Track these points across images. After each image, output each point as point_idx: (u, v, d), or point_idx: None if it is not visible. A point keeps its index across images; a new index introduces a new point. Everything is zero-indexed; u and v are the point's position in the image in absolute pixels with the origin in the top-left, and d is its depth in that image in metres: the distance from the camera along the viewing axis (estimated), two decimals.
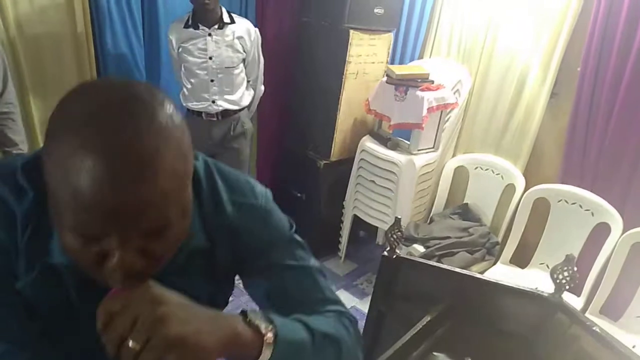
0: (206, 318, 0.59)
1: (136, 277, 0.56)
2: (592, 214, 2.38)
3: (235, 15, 2.56)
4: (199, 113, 2.60)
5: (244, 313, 0.65)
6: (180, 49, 2.47)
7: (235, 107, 2.66)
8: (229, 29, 2.50)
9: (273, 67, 3.14)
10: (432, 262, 1.38)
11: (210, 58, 2.49)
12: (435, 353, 1.16)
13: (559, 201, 2.49)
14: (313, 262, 0.80)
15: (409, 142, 2.78)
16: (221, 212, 0.73)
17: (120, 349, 0.53)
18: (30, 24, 2.22)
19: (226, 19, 2.49)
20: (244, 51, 2.58)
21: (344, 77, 2.80)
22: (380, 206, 2.89)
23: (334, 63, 2.82)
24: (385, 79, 2.78)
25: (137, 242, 0.55)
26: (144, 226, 0.54)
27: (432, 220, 2.92)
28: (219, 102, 2.59)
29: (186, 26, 2.44)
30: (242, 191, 0.76)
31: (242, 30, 2.55)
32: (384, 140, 2.85)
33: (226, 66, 2.54)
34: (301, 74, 3.07)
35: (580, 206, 2.42)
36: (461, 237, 2.65)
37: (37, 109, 2.33)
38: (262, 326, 0.63)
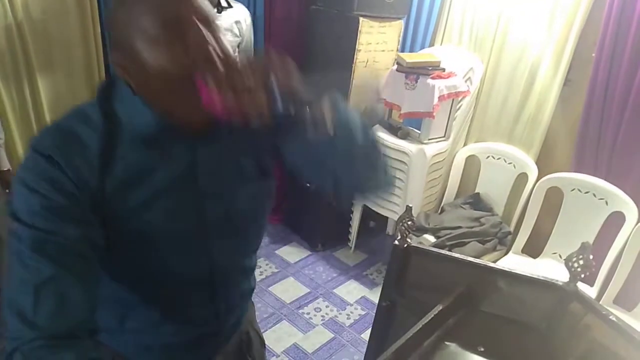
0: None
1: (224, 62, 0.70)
2: (606, 203, 2.34)
3: None
4: None
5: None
6: None
7: None
8: (226, 13, 2.48)
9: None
10: (444, 251, 1.36)
11: None
12: (447, 342, 1.15)
13: (572, 190, 2.46)
14: None
15: (419, 131, 2.75)
16: None
17: (239, 98, 0.67)
18: (36, 6, 2.21)
19: (223, 2, 2.47)
20: (240, 35, 2.56)
21: (353, 65, 2.77)
22: (391, 196, 2.87)
23: (344, 51, 2.79)
24: (395, 67, 2.75)
25: (208, 30, 0.72)
26: (211, 18, 0.73)
27: (443, 210, 2.90)
28: None
29: None
30: None
31: (239, 14, 2.54)
32: (394, 130, 2.83)
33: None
34: (310, 62, 3.04)
35: (594, 195, 2.39)
36: (472, 227, 2.63)
37: (45, 90, 2.33)
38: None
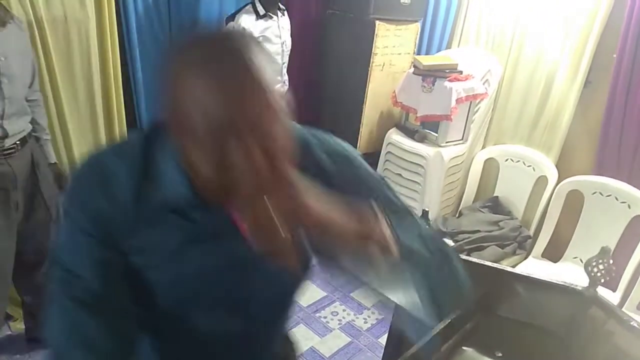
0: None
1: (264, 179, 0.60)
2: (629, 206, 2.29)
3: None
4: None
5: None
6: (260, 39, 2.49)
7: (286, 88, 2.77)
8: (285, 14, 2.59)
9: (299, 59, 3.13)
10: (461, 256, 1.35)
11: (283, 43, 2.58)
12: (464, 347, 1.14)
13: (594, 193, 2.42)
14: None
15: (436, 134, 2.74)
16: (315, 159, 0.79)
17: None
18: (55, 6, 2.22)
19: (281, 5, 2.56)
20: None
21: (370, 69, 2.78)
22: (408, 200, 2.85)
23: (360, 55, 2.79)
24: (412, 70, 2.74)
25: (256, 142, 0.59)
26: (262, 124, 0.60)
27: (461, 214, 2.87)
28: (286, 83, 2.71)
29: (260, 16, 2.46)
30: (333, 145, 0.83)
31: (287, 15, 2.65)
32: (411, 133, 2.82)
33: (290, 49, 2.66)
34: (327, 66, 3.05)
35: (616, 198, 2.34)
36: (491, 231, 2.60)
37: (65, 91, 2.30)
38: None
